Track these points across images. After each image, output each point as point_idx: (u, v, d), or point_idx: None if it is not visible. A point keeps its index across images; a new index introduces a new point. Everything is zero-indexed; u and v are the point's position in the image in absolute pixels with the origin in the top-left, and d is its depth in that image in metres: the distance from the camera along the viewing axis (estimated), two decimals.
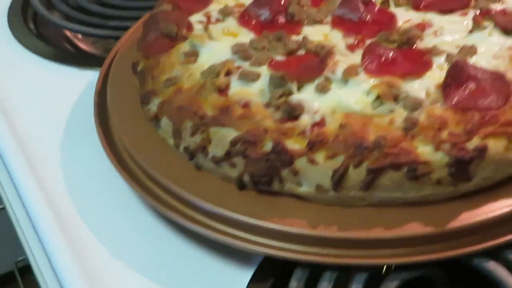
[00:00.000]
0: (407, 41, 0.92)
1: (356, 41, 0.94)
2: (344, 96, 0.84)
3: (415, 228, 0.79)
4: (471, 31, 0.93)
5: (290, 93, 0.86)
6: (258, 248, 0.81)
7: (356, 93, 0.85)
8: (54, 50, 1.24)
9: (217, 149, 0.85)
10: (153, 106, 0.93)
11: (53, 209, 0.92)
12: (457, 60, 0.86)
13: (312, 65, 0.89)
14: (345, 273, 0.79)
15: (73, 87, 1.14)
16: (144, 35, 1.02)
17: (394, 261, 0.78)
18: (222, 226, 0.83)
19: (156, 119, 0.93)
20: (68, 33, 1.35)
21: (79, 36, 1.34)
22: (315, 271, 0.80)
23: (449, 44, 0.91)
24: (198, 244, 0.87)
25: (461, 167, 0.79)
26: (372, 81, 0.85)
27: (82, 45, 1.33)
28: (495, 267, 0.78)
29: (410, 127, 0.81)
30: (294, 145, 0.82)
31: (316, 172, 0.81)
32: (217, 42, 0.96)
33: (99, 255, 0.86)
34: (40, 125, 1.08)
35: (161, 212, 0.86)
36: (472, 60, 0.88)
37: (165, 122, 0.91)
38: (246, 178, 0.84)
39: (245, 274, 0.83)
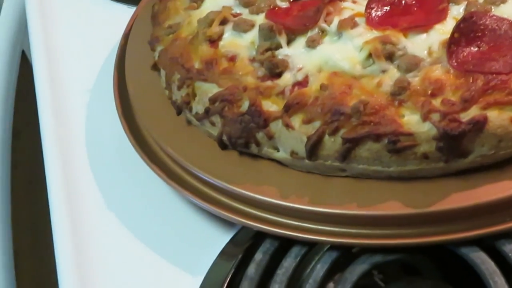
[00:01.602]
0: None
1: None
2: (334, 53, 0.75)
3: (393, 207, 0.70)
4: None
5: (278, 47, 0.78)
6: (228, 214, 0.76)
7: (348, 49, 0.75)
8: None
9: (199, 106, 0.80)
10: (157, 54, 0.89)
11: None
12: (473, 11, 0.73)
13: (308, 14, 0.79)
14: (314, 250, 0.73)
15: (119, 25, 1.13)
16: None
17: (362, 242, 0.70)
18: (203, 187, 0.79)
19: (155, 68, 0.89)
20: None
21: None
22: (285, 244, 0.74)
23: None
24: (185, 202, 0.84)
25: (451, 141, 0.67)
26: (369, 35, 0.75)
27: None
28: (483, 260, 0.67)
29: (398, 91, 0.70)
30: (271, 106, 0.75)
31: (291, 138, 0.73)
32: None
33: (92, 206, 0.87)
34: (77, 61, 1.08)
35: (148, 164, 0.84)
36: (499, 10, 0.74)
37: (162, 73, 0.87)
38: (225, 138, 0.78)
39: (226, 236, 0.79)
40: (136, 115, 0.88)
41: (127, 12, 1.10)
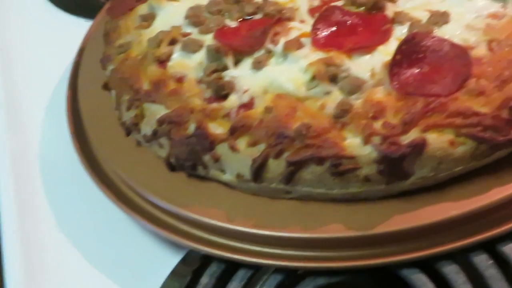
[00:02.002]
0: (375, 5, 0.79)
1: (321, 4, 0.83)
2: (279, 74, 0.75)
3: (336, 229, 0.70)
4: None
5: (225, 68, 0.78)
6: (175, 237, 0.76)
7: (293, 70, 0.75)
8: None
9: (147, 127, 0.80)
10: (108, 73, 0.89)
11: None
12: (415, 32, 0.73)
13: (255, 35, 0.79)
14: (260, 273, 0.73)
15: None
16: None
17: (307, 265, 0.70)
18: (151, 209, 0.79)
19: (106, 88, 0.89)
20: None
21: None
22: (231, 267, 0.74)
23: (423, 8, 0.78)
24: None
25: (392, 164, 0.68)
26: (314, 56, 0.75)
27: None
28: (424, 282, 0.68)
29: (341, 114, 0.70)
30: (217, 128, 0.75)
31: (236, 160, 0.74)
32: (176, 4, 0.88)
33: (43, 226, 0.87)
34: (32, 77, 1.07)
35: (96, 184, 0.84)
36: (441, 31, 0.74)
37: (113, 93, 0.87)
38: (173, 160, 0.78)
39: (177, 256, 0.79)
40: (87, 135, 0.88)
41: (84, 26, 1.10)
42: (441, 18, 0.75)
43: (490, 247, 0.69)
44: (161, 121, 0.78)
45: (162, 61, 0.82)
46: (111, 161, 0.83)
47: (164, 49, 0.82)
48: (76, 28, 1.11)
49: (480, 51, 0.71)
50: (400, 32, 0.76)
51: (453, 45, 0.72)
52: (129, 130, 0.83)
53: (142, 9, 0.90)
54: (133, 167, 0.82)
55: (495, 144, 0.68)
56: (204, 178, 0.78)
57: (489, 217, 0.68)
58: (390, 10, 0.79)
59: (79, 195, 0.88)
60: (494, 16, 0.74)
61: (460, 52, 0.71)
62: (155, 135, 0.79)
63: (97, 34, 1.00)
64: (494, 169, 0.70)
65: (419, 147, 0.67)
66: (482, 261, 0.68)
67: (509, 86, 0.68)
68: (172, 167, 0.79)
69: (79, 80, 0.95)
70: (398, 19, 0.77)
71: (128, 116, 0.82)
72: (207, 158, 0.75)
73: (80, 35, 1.06)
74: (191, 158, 0.76)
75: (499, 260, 0.68)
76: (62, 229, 0.85)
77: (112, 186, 0.82)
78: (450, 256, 0.69)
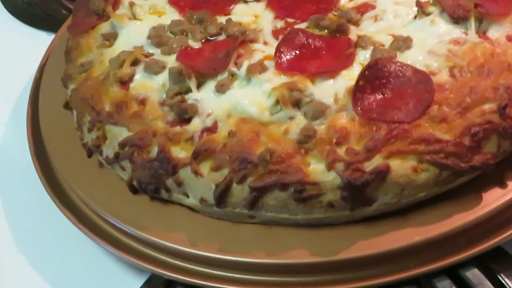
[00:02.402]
0: (338, 28, 0.79)
1: (285, 26, 0.83)
2: (242, 98, 0.75)
3: (300, 255, 0.70)
4: (415, 17, 0.79)
5: (188, 90, 0.77)
6: (138, 261, 0.75)
7: (256, 94, 0.75)
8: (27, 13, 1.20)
9: (109, 149, 0.79)
10: (69, 92, 0.87)
11: None
12: (378, 58, 0.74)
13: (219, 57, 0.79)
14: None
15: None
16: (75, 12, 0.95)
17: None
18: (113, 232, 0.78)
19: (67, 107, 0.87)
20: None
21: None
22: None
23: (386, 32, 0.78)
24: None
25: (355, 190, 0.68)
26: (278, 80, 0.75)
27: None
28: None
29: (304, 140, 0.70)
30: (180, 152, 0.74)
31: (199, 184, 0.73)
32: (138, 23, 0.87)
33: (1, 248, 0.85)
34: None
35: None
36: (404, 56, 0.75)
37: (74, 112, 0.86)
38: (136, 183, 0.77)
39: (141, 279, 0.78)
40: (48, 154, 0.87)
41: (47, 40, 1.08)
42: (403, 43, 0.75)
43: (453, 272, 0.69)
44: (123, 144, 0.77)
45: (124, 82, 0.81)
46: (72, 182, 0.82)
47: (126, 70, 0.81)
48: (38, 42, 1.10)
49: (442, 77, 0.72)
50: (363, 56, 0.76)
51: (416, 71, 0.72)
52: (91, 151, 0.81)
53: (104, 27, 0.89)
54: (95, 188, 0.80)
55: (457, 170, 0.68)
56: (167, 201, 0.77)
57: (452, 243, 0.69)
58: (353, 33, 0.79)
59: (40, 216, 0.86)
60: (455, 42, 0.74)
61: (423, 78, 0.71)
62: (117, 157, 0.77)
63: (58, 49, 0.98)
64: (456, 195, 0.70)
65: (382, 173, 0.68)
66: (446, 286, 0.69)
67: (471, 113, 0.69)
68: (134, 190, 0.78)
69: (40, 97, 0.93)
70: (361, 43, 0.77)
71: (90, 137, 0.81)
72: (170, 182, 0.74)
73: (42, 49, 1.04)
74: (154, 181, 0.75)
75: (462, 285, 0.69)
76: (22, 251, 0.84)
77: (73, 207, 0.81)
78: (414, 281, 0.69)
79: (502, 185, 0.71)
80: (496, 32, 0.74)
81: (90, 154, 0.82)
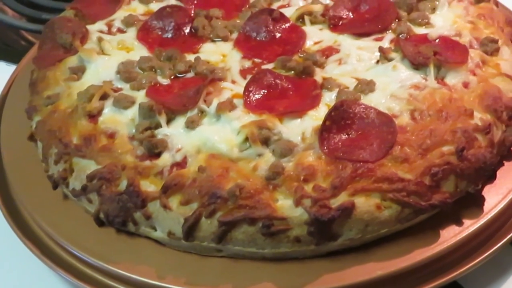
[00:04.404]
0: (304, 70, 0.83)
1: (252, 66, 0.86)
2: (212, 134, 0.77)
3: None
4: (377, 62, 0.83)
5: (158, 126, 0.79)
6: None
7: (226, 131, 0.77)
8: None
9: (76, 182, 0.79)
10: (34, 124, 0.88)
11: None
12: (343, 100, 0.77)
13: (188, 94, 0.81)
14: None
15: None
16: (41, 44, 0.96)
17: None
18: (78, 265, 0.77)
19: (32, 139, 0.87)
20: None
21: None
22: None
23: (350, 75, 0.82)
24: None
25: (321, 226, 0.70)
26: (246, 118, 0.77)
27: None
28: None
29: (273, 176, 0.73)
30: (149, 186, 0.75)
31: (168, 218, 0.74)
32: (107, 58, 0.89)
33: None
34: None
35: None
36: (367, 98, 0.78)
37: (39, 144, 0.86)
38: (102, 216, 0.78)
39: None
40: (10, 186, 0.86)
41: (6, 70, 1.08)
42: (367, 86, 0.79)
43: None
44: (91, 177, 0.77)
45: (93, 116, 0.82)
46: (36, 214, 0.81)
47: (95, 103, 0.82)
48: None
49: (404, 119, 0.76)
50: (329, 98, 0.79)
51: (379, 113, 0.76)
52: (57, 183, 0.81)
53: (72, 61, 0.90)
54: (59, 221, 0.80)
55: (418, 208, 0.72)
56: (133, 234, 0.77)
57: (413, 277, 0.72)
58: (319, 75, 0.82)
59: (1, 249, 0.85)
60: (416, 87, 0.79)
61: (386, 120, 0.75)
62: (84, 190, 0.78)
63: (21, 80, 0.99)
64: (416, 232, 0.73)
65: (347, 210, 0.70)
66: None
67: (431, 154, 0.73)
68: (100, 223, 0.78)
69: (2, 128, 0.93)
70: (326, 84, 0.81)
71: (56, 169, 0.81)
72: (138, 215, 0.75)
73: (1, 79, 1.04)
74: (122, 214, 0.76)
75: None
76: None
77: (37, 240, 0.80)
78: None
79: (459, 222, 0.74)
80: (453, 79, 0.79)
81: (55, 186, 0.82)
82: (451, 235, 0.73)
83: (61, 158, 0.81)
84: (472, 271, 0.73)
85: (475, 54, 0.82)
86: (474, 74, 0.80)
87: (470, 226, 0.74)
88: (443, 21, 0.87)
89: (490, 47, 0.83)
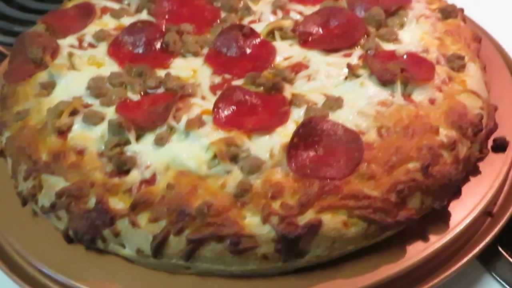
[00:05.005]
0: (273, 86, 0.83)
1: (222, 81, 0.86)
2: (181, 151, 0.77)
3: None
4: (346, 78, 0.84)
5: (127, 142, 0.79)
6: None
7: (195, 148, 0.77)
8: None
9: (45, 199, 0.79)
10: (3, 140, 0.87)
11: None
12: (311, 116, 0.78)
13: (158, 111, 0.81)
14: None
15: None
16: (11, 58, 0.95)
17: None
18: (47, 282, 0.77)
19: (1, 155, 0.87)
20: None
21: None
22: None
23: (318, 91, 0.83)
24: None
25: (289, 243, 0.71)
26: (215, 135, 0.78)
27: None
28: None
29: (241, 193, 0.73)
30: (118, 203, 0.75)
31: (137, 236, 0.74)
32: (77, 73, 0.89)
33: None
34: None
35: None
36: (335, 115, 0.79)
37: (9, 160, 0.85)
38: (71, 233, 0.78)
39: None
40: None
41: None
42: (335, 103, 0.80)
43: None
44: (60, 194, 0.77)
45: (63, 132, 0.82)
46: (5, 231, 0.81)
47: (64, 120, 0.82)
48: None
49: (371, 136, 0.76)
50: (297, 114, 0.80)
51: (347, 130, 0.76)
52: (26, 200, 0.81)
53: (42, 76, 0.89)
54: (28, 238, 0.80)
55: (384, 225, 0.72)
56: (102, 251, 0.78)
57: None
58: (288, 91, 0.83)
59: None
60: (383, 103, 0.79)
61: (353, 137, 0.76)
62: (53, 207, 0.78)
63: None
64: (383, 248, 0.74)
65: (314, 227, 0.71)
66: None
67: (397, 171, 0.74)
68: (69, 240, 0.78)
69: None
70: (295, 101, 0.81)
71: (25, 186, 0.81)
72: (107, 232, 0.75)
73: None
74: (91, 232, 0.76)
75: None
76: None
77: (5, 257, 0.81)
78: None
79: (425, 239, 0.75)
80: (420, 95, 0.80)
81: (24, 203, 0.82)
82: (417, 251, 0.74)
83: (30, 175, 0.80)
84: (438, 287, 0.74)
85: (441, 71, 0.83)
86: (441, 91, 0.81)
87: (436, 242, 0.75)
88: (411, 37, 0.88)
89: (456, 64, 0.84)
